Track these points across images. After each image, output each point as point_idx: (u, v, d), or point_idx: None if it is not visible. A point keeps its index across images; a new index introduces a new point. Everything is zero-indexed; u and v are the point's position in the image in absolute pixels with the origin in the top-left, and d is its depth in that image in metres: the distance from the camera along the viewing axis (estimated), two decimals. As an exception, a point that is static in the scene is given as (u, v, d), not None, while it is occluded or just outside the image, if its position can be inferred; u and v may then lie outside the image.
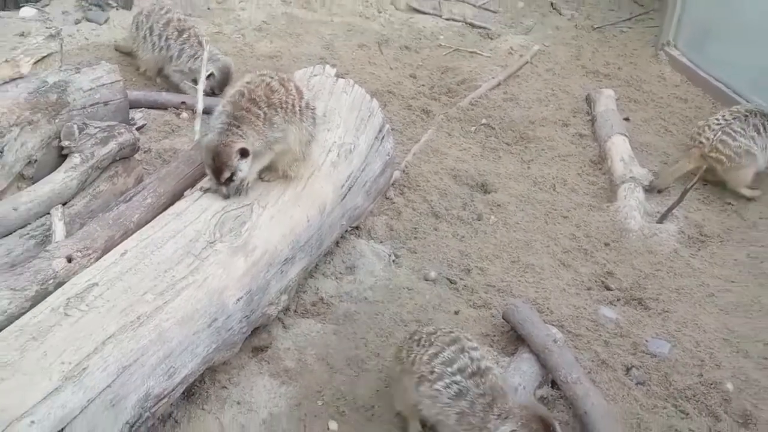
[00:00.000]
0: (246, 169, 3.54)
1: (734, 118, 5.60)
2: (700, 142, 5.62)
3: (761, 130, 5.55)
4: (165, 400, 3.01)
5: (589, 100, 6.70)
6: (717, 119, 5.66)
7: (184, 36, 6.04)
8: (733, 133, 5.51)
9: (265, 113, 3.58)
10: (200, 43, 6.03)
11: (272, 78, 3.70)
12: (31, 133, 3.93)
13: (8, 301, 3.05)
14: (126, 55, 6.43)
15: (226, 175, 3.48)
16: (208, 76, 5.75)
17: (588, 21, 8.75)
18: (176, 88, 6.04)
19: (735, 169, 5.50)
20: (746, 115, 5.61)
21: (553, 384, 3.68)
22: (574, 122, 6.44)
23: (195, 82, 5.67)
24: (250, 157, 3.53)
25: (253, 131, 3.54)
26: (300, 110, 3.73)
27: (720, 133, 5.54)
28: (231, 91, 3.70)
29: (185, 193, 3.75)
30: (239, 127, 3.51)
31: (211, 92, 5.62)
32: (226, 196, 3.55)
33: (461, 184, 5.34)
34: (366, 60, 7.13)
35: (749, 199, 5.50)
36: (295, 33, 7.53)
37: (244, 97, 3.58)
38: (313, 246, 3.92)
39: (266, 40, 7.28)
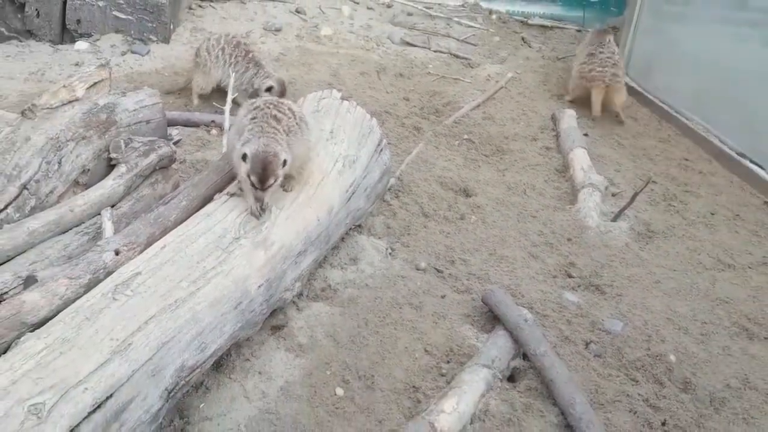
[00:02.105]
0: (281, 177, 3.53)
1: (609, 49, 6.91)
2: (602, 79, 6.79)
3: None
4: (198, 370, 3.01)
5: (554, 119, 6.71)
6: (603, 57, 6.88)
7: (252, 57, 6.16)
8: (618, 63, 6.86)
9: (284, 138, 3.59)
10: (258, 64, 6.14)
11: (269, 107, 3.70)
12: (85, 147, 3.92)
13: (65, 287, 3.03)
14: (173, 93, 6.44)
15: (271, 182, 3.45)
16: (269, 89, 5.97)
17: (553, 53, 8.76)
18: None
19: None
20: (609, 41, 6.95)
21: (524, 356, 3.67)
22: (541, 137, 6.44)
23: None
24: (286, 168, 3.53)
25: (280, 145, 3.53)
26: (298, 125, 3.75)
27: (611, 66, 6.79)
28: (247, 125, 3.65)
29: (215, 197, 3.75)
30: (276, 141, 3.51)
31: None
32: (260, 200, 3.47)
33: (447, 189, 5.33)
34: (366, 85, 7.13)
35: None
36: (307, 63, 7.53)
37: (264, 127, 3.59)
38: (322, 241, 3.92)
39: (283, 69, 7.27)
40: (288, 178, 3.74)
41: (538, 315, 4.02)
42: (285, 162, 3.49)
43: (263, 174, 3.43)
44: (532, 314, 3.91)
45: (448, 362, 3.64)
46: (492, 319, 3.92)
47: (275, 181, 3.47)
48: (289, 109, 3.79)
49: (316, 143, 4.07)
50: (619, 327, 4.00)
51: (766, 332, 4.11)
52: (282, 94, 6.05)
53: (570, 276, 4.47)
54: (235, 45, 6.17)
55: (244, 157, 3.47)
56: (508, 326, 3.74)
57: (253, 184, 3.46)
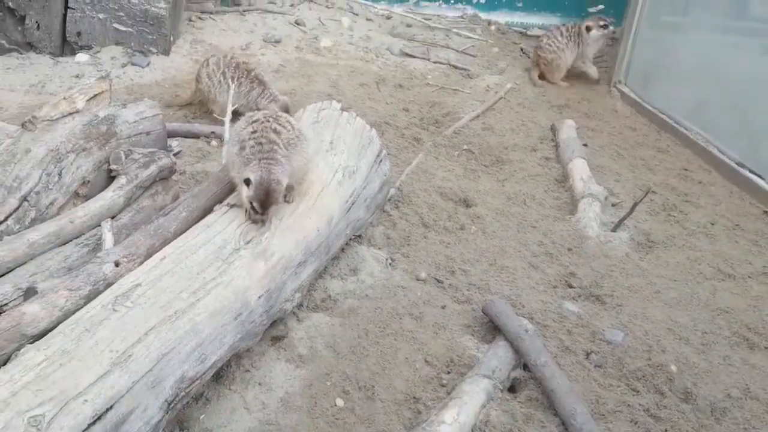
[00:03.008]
0: (282, 201, 3.63)
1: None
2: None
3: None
4: (198, 381, 3.00)
5: (553, 130, 6.71)
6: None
7: (255, 76, 6.14)
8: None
9: (283, 154, 3.62)
10: (262, 82, 6.14)
11: (269, 121, 3.74)
12: (85, 159, 3.93)
13: (65, 299, 3.03)
14: (182, 107, 6.43)
15: (273, 208, 3.53)
16: None
17: (552, 63, 8.77)
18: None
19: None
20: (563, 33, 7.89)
21: (525, 367, 3.66)
22: (541, 148, 6.45)
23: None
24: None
25: (281, 168, 3.58)
26: (297, 138, 3.79)
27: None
28: (247, 140, 3.68)
29: (215, 208, 3.75)
30: (277, 166, 3.56)
31: None
32: (259, 221, 3.53)
33: (447, 200, 5.33)
34: (366, 96, 7.14)
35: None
36: (307, 74, 7.55)
37: (264, 143, 3.62)
38: (322, 252, 3.92)
39: (283, 80, 7.29)
40: (288, 189, 3.76)
41: (539, 325, 4.01)
42: (289, 188, 3.60)
43: (266, 201, 3.50)
44: (533, 324, 3.91)
45: (449, 373, 3.64)
46: (492, 329, 3.92)
47: (276, 204, 3.54)
48: (288, 121, 3.83)
49: (314, 155, 4.08)
50: (620, 337, 4.00)
51: (766, 342, 4.10)
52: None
53: (570, 286, 4.47)
54: (235, 67, 6.09)
55: (247, 181, 3.51)
56: (508, 336, 3.74)
57: (254, 208, 3.51)
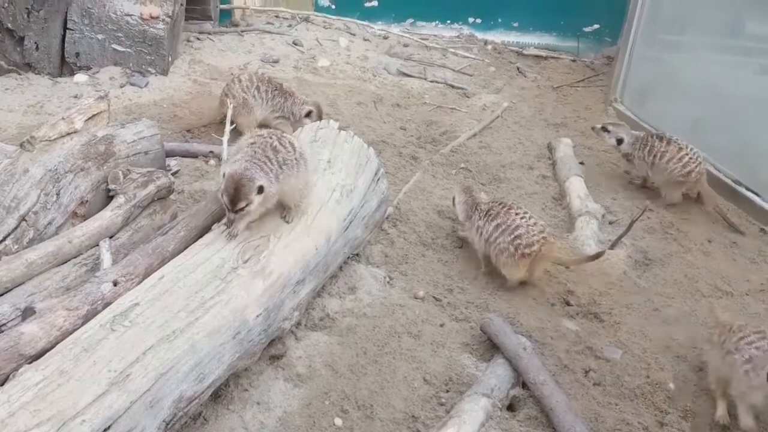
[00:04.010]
0: (256, 204, 3.49)
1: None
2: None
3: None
4: (196, 401, 3.00)
5: (550, 148, 6.73)
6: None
7: (283, 88, 6.31)
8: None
9: (275, 169, 3.60)
10: (291, 93, 6.33)
11: (271, 138, 3.73)
12: (83, 178, 3.94)
13: (64, 319, 3.04)
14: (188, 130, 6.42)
15: (241, 205, 3.44)
16: (308, 114, 6.14)
17: (548, 82, 8.81)
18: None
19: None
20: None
21: (524, 385, 3.66)
22: (538, 166, 6.47)
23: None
24: (263, 195, 3.50)
25: (267, 179, 3.55)
26: (296, 161, 3.76)
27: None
28: (243, 149, 3.68)
29: (213, 227, 3.76)
30: (260, 167, 3.52)
31: None
32: (231, 222, 3.48)
33: (444, 218, 5.34)
34: (364, 115, 7.16)
35: None
36: (305, 94, 7.53)
37: (256, 154, 3.60)
38: (320, 270, 3.92)
39: (280, 100, 7.30)
40: (286, 209, 3.76)
41: (537, 343, 4.01)
42: (261, 189, 3.47)
43: (234, 195, 3.42)
44: (531, 342, 3.91)
45: (448, 391, 3.63)
46: (491, 347, 3.91)
47: (247, 205, 3.45)
48: (290, 143, 3.80)
49: (314, 177, 4.08)
50: (618, 355, 4.00)
51: (765, 359, 4.09)
52: (320, 116, 6.16)
53: (568, 304, 4.47)
54: (267, 81, 6.27)
55: (223, 175, 3.49)
56: (507, 355, 3.74)
57: (225, 205, 3.46)
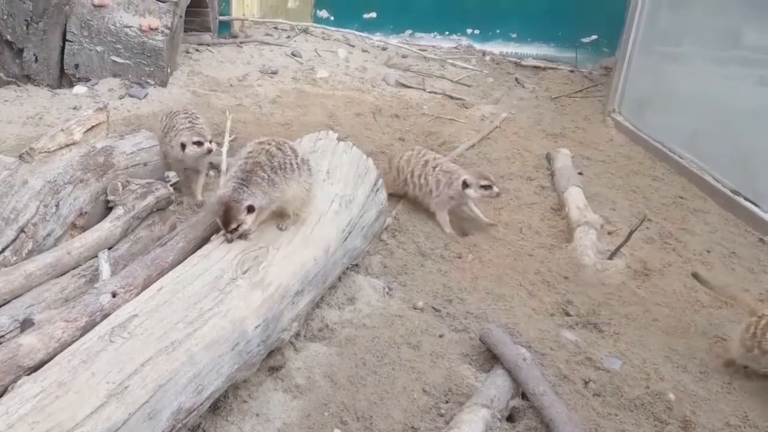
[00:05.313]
0: (250, 222, 3.59)
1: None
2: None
3: None
4: (195, 412, 2.99)
5: (548, 158, 6.75)
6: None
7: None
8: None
9: (268, 176, 3.63)
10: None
11: (270, 144, 3.75)
12: (82, 190, 3.94)
13: (62, 330, 3.03)
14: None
15: (233, 226, 3.55)
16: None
17: (547, 93, 8.86)
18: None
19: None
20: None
21: (524, 396, 3.65)
22: (536, 176, 6.48)
23: None
24: (255, 213, 3.59)
25: (259, 191, 3.59)
26: (297, 166, 3.77)
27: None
28: (239, 161, 3.73)
29: (212, 238, 3.75)
30: (248, 186, 3.58)
31: None
32: (230, 241, 3.59)
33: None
34: (362, 126, 7.19)
35: None
36: (304, 105, 7.60)
37: (248, 164, 3.64)
38: (319, 281, 3.92)
39: (280, 111, 7.34)
40: (284, 217, 3.77)
41: (537, 354, 4.00)
42: (251, 208, 3.57)
43: (224, 218, 3.56)
44: (531, 353, 3.90)
45: (447, 402, 3.62)
46: (490, 358, 3.91)
47: (239, 225, 3.56)
48: (291, 148, 3.81)
49: (315, 186, 4.08)
50: (618, 365, 3.99)
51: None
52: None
53: (567, 314, 4.47)
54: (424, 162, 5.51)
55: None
56: (506, 365, 3.73)
57: (220, 226, 3.60)
